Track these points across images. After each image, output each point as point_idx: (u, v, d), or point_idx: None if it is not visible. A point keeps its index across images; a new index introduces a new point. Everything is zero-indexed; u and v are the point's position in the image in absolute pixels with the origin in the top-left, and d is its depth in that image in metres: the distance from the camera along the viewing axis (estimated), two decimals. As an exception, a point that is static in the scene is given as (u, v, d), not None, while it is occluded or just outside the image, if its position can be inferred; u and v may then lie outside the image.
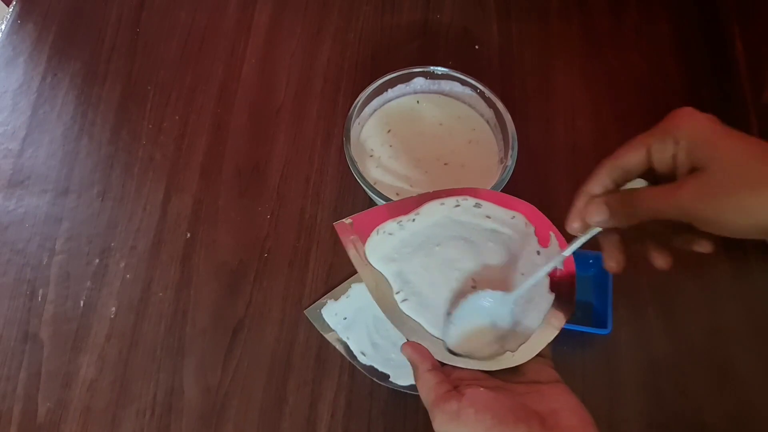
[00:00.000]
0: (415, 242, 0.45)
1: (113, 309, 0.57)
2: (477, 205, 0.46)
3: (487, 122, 0.61)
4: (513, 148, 0.56)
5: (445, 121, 0.62)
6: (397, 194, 0.57)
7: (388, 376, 0.54)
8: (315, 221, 0.61)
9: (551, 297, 0.43)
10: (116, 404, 0.54)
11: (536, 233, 0.45)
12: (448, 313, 0.43)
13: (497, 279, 0.44)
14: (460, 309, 0.42)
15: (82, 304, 0.57)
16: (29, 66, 0.69)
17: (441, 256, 0.45)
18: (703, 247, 0.39)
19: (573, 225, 0.39)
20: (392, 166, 0.59)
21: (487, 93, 0.59)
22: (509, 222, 0.46)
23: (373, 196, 0.56)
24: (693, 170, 0.35)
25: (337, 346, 0.55)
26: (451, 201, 0.46)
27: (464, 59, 0.69)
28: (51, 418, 0.53)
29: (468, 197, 0.46)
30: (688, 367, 0.55)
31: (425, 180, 0.58)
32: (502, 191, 0.54)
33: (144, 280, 0.58)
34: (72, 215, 0.61)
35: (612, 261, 0.40)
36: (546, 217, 0.45)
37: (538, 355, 0.41)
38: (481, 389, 0.37)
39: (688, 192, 0.34)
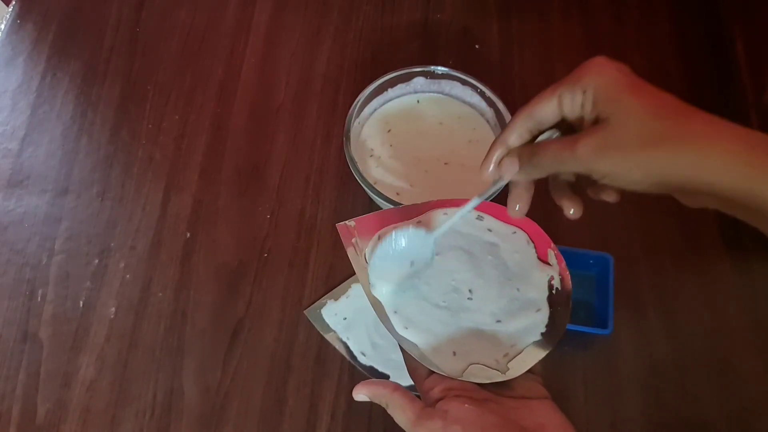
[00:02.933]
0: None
1: (113, 309, 0.57)
2: (479, 218, 0.46)
3: (488, 122, 0.61)
4: (513, 148, 0.56)
5: (446, 120, 0.62)
6: (397, 194, 0.57)
7: (389, 377, 0.54)
8: (315, 221, 0.61)
9: (547, 312, 0.43)
10: (116, 405, 0.54)
11: (536, 249, 0.46)
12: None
13: (493, 292, 0.44)
14: (381, 245, 0.43)
15: (81, 305, 0.57)
16: (29, 66, 0.69)
17: (440, 265, 0.45)
18: (609, 196, 0.40)
19: (486, 171, 0.40)
20: (392, 165, 0.59)
21: (488, 93, 0.59)
22: (510, 237, 0.46)
23: (373, 196, 0.55)
24: (597, 122, 0.35)
25: (337, 347, 0.55)
26: (453, 212, 0.46)
27: (464, 59, 0.69)
28: (50, 419, 0.53)
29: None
30: (688, 367, 0.55)
31: (425, 180, 0.58)
32: (503, 191, 0.54)
33: (143, 280, 0.58)
34: (71, 215, 0.61)
35: (515, 206, 0.41)
36: (546, 234, 0.46)
37: (528, 371, 0.41)
38: (466, 405, 0.36)
39: (585, 145, 0.34)
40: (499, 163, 0.40)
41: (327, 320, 0.56)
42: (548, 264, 0.45)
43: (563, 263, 0.44)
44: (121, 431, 0.53)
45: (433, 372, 0.40)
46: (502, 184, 0.42)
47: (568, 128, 0.38)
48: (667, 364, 0.55)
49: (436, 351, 0.41)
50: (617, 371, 0.55)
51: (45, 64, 0.69)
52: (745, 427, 0.53)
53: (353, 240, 0.45)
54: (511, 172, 0.39)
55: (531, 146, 0.39)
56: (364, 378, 0.54)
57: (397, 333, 0.42)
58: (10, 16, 0.72)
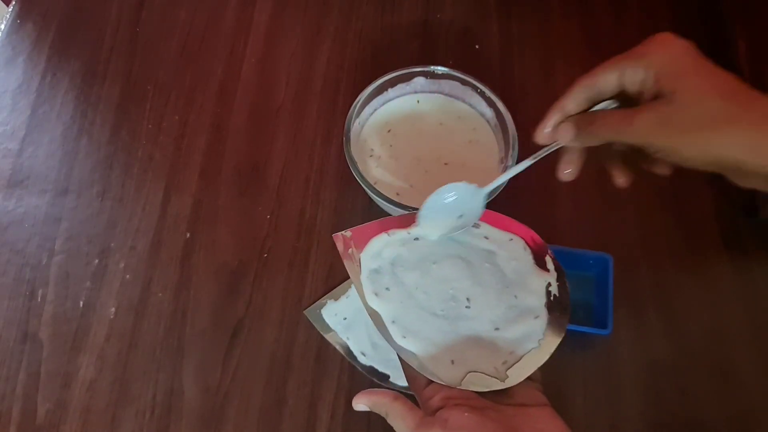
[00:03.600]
0: (412, 259, 0.45)
1: (113, 309, 0.57)
2: (476, 225, 0.47)
3: (488, 122, 0.61)
4: (513, 148, 0.56)
5: (446, 120, 0.62)
6: (397, 194, 0.57)
7: (388, 377, 0.54)
8: (315, 221, 0.61)
9: (545, 319, 0.43)
10: (116, 405, 0.54)
11: (533, 256, 0.46)
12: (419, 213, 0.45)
13: (491, 299, 0.44)
14: (432, 197, 0.44)
15: (81, 305, 0.57)
16: (28, 66, 0.69)
17: (437, 274, 0.45)
18: (661, 169, 0.40)
19: (541, 135, 0.41)
20: (392, 165, 0.59)
21: (488, 93, 0.59)
22: (507, 244, 0.46)
23: (373, 196, 0.55)
24: (657, 97, 0.35)
25: (337, 347, 0.55)
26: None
27: (464, 59, 0.69)
28: (50, 419, 0.53)
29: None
30: (688, 368, 0.55)
31: (425, 180, 0.58)
32: (503, 191, 0.54)
33: (143, 280, 0.58)
34: (71, 215, 0.61)
35: (565, 169, 0.42)
36: (543, 241, 0.46)
37: (527, 378, 0.41)
38: (466, 414, 0.36)
39: (644, 119, 0.35)
40: (556, 127, 0.40)
41: (327, 320, 0.56)
42: (546, 270, 0.45)
43: (561, 270, 0.45)
44: (121, 431, 0.53)
45: (432, 381, 0.40)
46: (553, 148, 0.42)
47: (625, 100, 0.38)
48: (667, 365, 0.55)
49: (434, 360, 0.41)
50: (617, 371, 0.55)
51: (45, 64, 0.69)
52: (745, 428, 0.53)
53: (350, 251, 0.45)
54: (567, 137, 0.40)
55: (589, 115, 0.39)
56: (364, 378, 0.54)
57: (396, 343, 0.42)
58: (10, 16, 0.72)
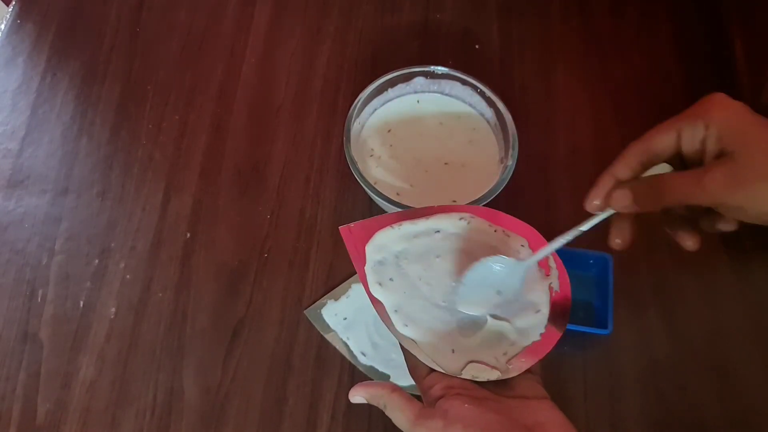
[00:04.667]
0: (416, 252, 0.46)
1: (113, 309, 0.57)
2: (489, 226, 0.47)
3: (488, 122, 0.61)
4: (513, 148, 0.56)
5: (446, 120, 0.62)
6: (397, 194, 0.57)
7: (389, 377, 0.54)
8: (315, 221, 0.61)
9: (547, 314, 0.44)
10: (116, 405, 0.54)
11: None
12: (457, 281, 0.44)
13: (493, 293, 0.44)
14: (472, 270, 0.43)
15: (81, 305, 0.57)
16: (28, 66, 0.69)
17: (440, 267, 0.45)
18: (727, 226, 0.40)
19: (593, 203, 0.40)
20: (392, 165, 0.59)
21: (488, 93, 0.59)
22: (509, 241, 0.46)
23: (374, 196, 0.56)
24: (720, 156, 0.35)
25: (338, 347, 0.55)
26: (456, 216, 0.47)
27: (464, 59, 0.69)
28: (50, 419, 0.53)
29: (475, 216, 0.46)
30: (688, 368, 0.55)
31: (425, 180, 0.58)
32: (502, 191, 0.54)
33: (144, 280, 0.58)
34: (71, 215, 0.61)
35: (618, 239, 0.41)
36: (545, 240, 0.46)
37: (527, 371, 0.41)
38: (466, 405, 0.36)
39: (715, 179, 0.34)
40: (609, 195, 0.39)
41: (327, 320, 0.56)
42: (548, 267, 0.45)
43: (563, 268, 0.45)
44: (121, 431, 0.53)
45: (433, 370, 0.40)
46: (604, 216, 0.41)
47: (680, 163, 0.38)
48: (667, 364, 0.55)
49: (435, 349, 0.41)
50: (617, 371, 0.55)
51: (45, 64, 0.69)
52: (746, 427, 0.53)
53: (355, 243, 0.46)
54: (622, 204, 0.39)
55: (650, 180, 0.38)
56: (365, 378, 0.54)
57: (397, 331, 0.42)
58: (10, 16, 0.72)
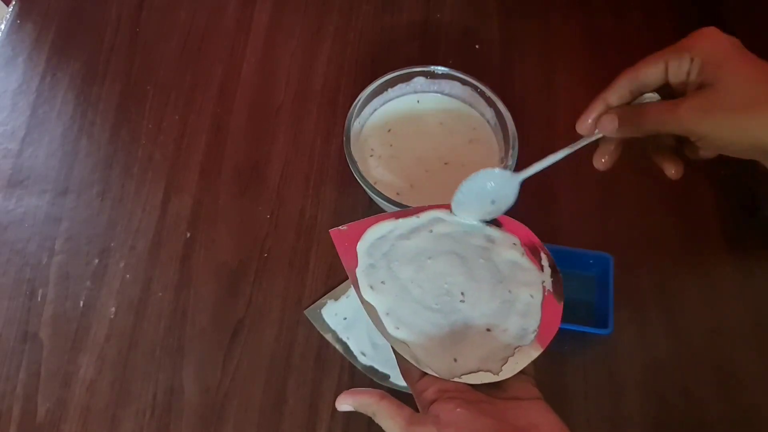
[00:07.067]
0: (408, 254, 0.46)
1: (113, 309, 0.57)
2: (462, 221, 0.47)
3: (488, 122, 0.61)
4: (514, 148, 0.56)
5: (446, 120, 0.62)
6: (397, 194, 0.57)
7: (389, 377, 0.54)
8: (315, 221, 0.61)
9: (539, 314, 0.44)
10: (116, 404, 0.54)
11: (528, 252, 0.46)
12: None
13: (485, 294, 0.44)
14: (469, 180, 0.45)
15: (81, 304, 0.57)
16: (28, 66, 0.69)
17: (432, 269, 0.45)
18: (708, 153, 0.41)
19: (583, 125, 0.42)
20: (392, 165, 0.59)
21: (488, 92, 0.59)
22: (502, 240, 0.47)
23: (374, 196, 0.55)
24: (701, 87, 0.36)
25: (337, 347, 0.55)
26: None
27: (464, 59, 0.69)
28: (50, 418, 0.53)
29: None
30: (689, 368, 0.55)
31: (425, 180, 0.58)
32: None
33: (144, 280, 0.58)
34: (71, 215, 0.61)
35: (603, 158, 0.43)
36: (538, 238, 0.46)
37: (520, 372, 0.41)
38: (458, 409, 0.36)
39: (687, 108, 0.35)
40: (598, 119, 0.41)
41: (327, 320, 0.56)
42: (540, 267, 0.45)
43: (555, 267, 0.45)
44: (121, 431, 0.53)
45: (426, 373, 0.40)
46: (593, 139, 0.43)
47: (668, 93, 0.39)
48: (668, 364, 0.55)
49: (428, 352, 0.41)
50: (617, 371, 0.55)
51: (45, 64, 0.69)
52: (746, 427, 0.53)
53: (346, 245, 0.46)
54: (609, 129, 0.40)
55: (633, 107, 0.40)
56: (364, 378, 0.54)
57: (389, 334, 0.42)
58: (10, 16, 0.72)
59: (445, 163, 0.59)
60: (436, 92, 0.63)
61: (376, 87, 0.59)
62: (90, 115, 0.66)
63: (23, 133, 0.65)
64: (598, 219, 0.61)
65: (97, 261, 0.59)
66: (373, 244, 0.46)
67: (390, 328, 0.42)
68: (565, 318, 0.53)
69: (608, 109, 0.41)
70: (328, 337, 0.55)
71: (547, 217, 0.61)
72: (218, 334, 0.56)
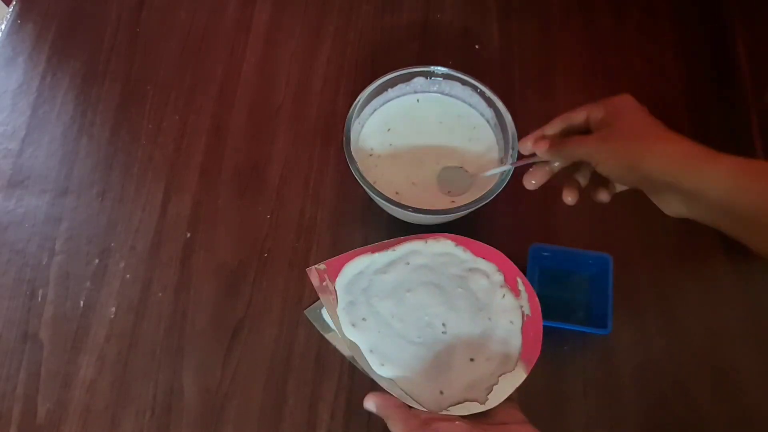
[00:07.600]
0: (386, 288, 0.46)
1: (113, 309, 0.57)
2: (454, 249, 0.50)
3: (488, 122, 0.61)
4: (513, 148, 0.56)
5: (445, 120, 0.62)
6: (397, 194, 0.57)
7: (388, 377, 0.54)
8: (315, 221, 0.61)
9: (520, 340, 0.45)
10: (116, 404, 0.54)
11: (504, 279, 0.48)
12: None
13: (466, 323, 0.46)
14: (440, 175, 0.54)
15: (81, 305, 0.57)
16: (29, 66, 0.69)
17: (411, 301, 0.47)
18: (602, 195, 0.50)
19: (525, 146, 0.50)
20: (392, 165, 0.59)
21: (488, 93, 0.59)
22: (478, 268, 0.49)
23: (373, 196, 0.55)
24: (607, 126, 0.46)
25: (337, 346, 0.55)
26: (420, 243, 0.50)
27: (464, 59, 0.69)
28: (51, 419, 0.53)
29: (440, 239, 0.50)
30: (688, 368, 0.55)
31: (425, 179, 0.58)
32: (502, 191, 0.54)
33: (143, 280, 0.58)
34: (71, 215, 0.61)
35: (532, 180, 0.50)
36: (514, 265, 0.49)
37: (506, 399, 0.43)
38: (456, 422, 0.39)
39: (593, 138, 0.46)
40: (535, 141, 0.49)
41: (327, 320, 0.56)
42: (517, 292, 0.46)
43: (532, 292, 0.47)
44: (121, 431, 0.53)
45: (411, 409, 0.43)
46: (532, 160, 0.50)
47: (587, 132, 0.48)
48: (667, 364, 0.55)
49: (414, 386, 0.43)
50: (617, 371, 0.55)
51: (45, 64, 0.69)
52: (745, 428, 0.53)
53: (324, 283, 0.46)
54: (541, 148, 0.49)
55: (560, 137, 0.49)
56: (364, 378, 0.53)
57: (375, 372, 0.43)
58: (10, 16, 0.72)
59: (445, 163, 0.59)
60: (436, 92, 0.63)
61: (376, 87, 0.59)
62: (90, 115, 0.66)
63: (23, 133, 0.65)
64: (597, 219, 0.61)
65: (97, 261, 0.59)
66: (351, 280, 0.47)
67: (375, 366, 0.43)
68: (565, 318, 0.53)
69: (544, 136, 0.50)
70: (328, 337, 0.55)
71: (546, 217, 0.61)
72: (218, 334, 0.56)
